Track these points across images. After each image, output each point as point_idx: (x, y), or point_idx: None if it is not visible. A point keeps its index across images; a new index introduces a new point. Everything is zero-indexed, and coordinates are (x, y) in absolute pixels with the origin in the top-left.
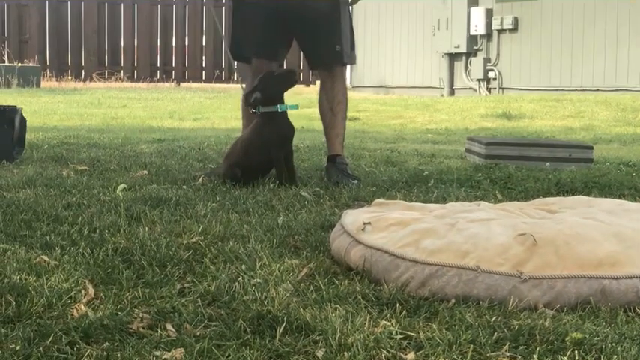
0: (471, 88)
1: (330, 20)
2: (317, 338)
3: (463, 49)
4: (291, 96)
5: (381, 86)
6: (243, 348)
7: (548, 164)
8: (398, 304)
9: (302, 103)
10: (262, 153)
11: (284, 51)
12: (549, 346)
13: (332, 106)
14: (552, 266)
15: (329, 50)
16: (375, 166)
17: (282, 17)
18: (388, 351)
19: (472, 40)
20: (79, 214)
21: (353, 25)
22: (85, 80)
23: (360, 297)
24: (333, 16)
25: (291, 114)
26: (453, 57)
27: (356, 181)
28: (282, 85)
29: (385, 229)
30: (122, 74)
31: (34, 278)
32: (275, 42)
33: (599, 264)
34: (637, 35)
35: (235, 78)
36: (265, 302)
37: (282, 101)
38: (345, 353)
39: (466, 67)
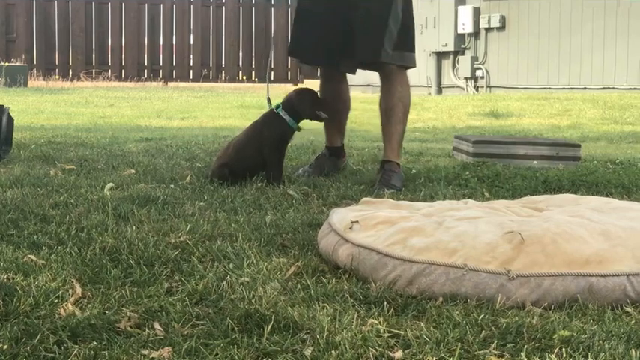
0: (458, 86)
1: (376, 15)
2: (305, 337)
3: (451, 48)
4: (280, 95)
5: (369, 85)
6: (231, 347)
7: (535, 162)
8: (386, 303)
9: None
10: (258, 153)
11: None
12: (537, 344)
13: (387, 109)
14: (540, 264)
15: (370, 48)
16: (362, 164)
17: (341, 17)
18: (376, 349)
19: (460, 38)
20: (67, 214)
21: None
22: (72, 79)
23: (347, 295)
24: (380, 11)
25: None
26: (440, 55)
27: (392, 190)
28: (309, 109)
29: (373, 228)
30: (110, 73)
31: (22, 277)
32: (336, 49)
33: (587, 262)
34: (624, 34)
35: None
36: (253, 301)
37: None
38: (333, 352)
39: (454, 66)
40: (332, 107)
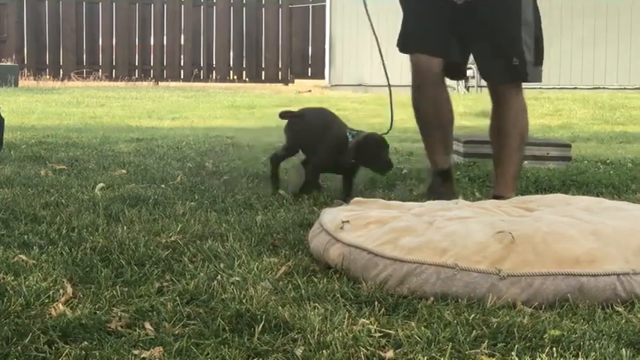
0: (449, 86)
1: (507, 25)
2: (296, 336)
3: None
4: (269, 95)
5: (360, 85)
6: (222, 346)
7: (526, 162)
8: (376, 303)
9: (280, 102)
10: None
11: (457, 50)
12: (528, 344)
13: (500, 135)
14: (530, 264)
15: (504, 64)
16: None
17: (456, 16)
18: (367, 349)
19: None
20: (57, 214)
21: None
22: (63, 79)
23: (338, 295)
24: (510, 20)
25: (271, 113)
26: None
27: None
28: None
29: (364, 228)
30: (100, 73)
31: (12, 278)
32: (444, 36)
33: (577, 262)
34: (614, 34)
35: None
36: (244, 301)
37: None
38: (324, 351)
39: None
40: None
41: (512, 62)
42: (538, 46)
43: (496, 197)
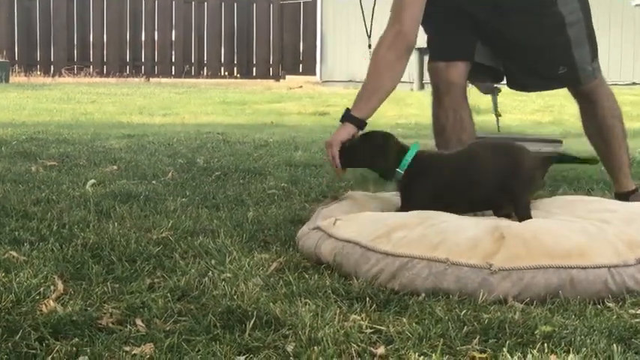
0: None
1: (546, 29)
2: (287, 333)
3: None
4: (261, 91)
5: (351, 81)
6: (213, 343)
7: None
8: (368, 299)
9: (271, 98)
10: None
11: (483, 53)
12: (519, 340)
13: (602, 134)
14: (521, 258)
15: (548, 75)
16: None
17: (476, 25)
18: (358, 345)
19: None
20: (48, 210)
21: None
22: (54, 76)
23: (329, 291)
24: (548, 21)
25: (262, 109)
26: (422, 51)
27: None
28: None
29: (357, 224)
30: (91, 69)
31: (3, 274)
32: (465, 39)
33: (568, 255)
34: (605, 28)
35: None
36: (235, 297)
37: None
38: (315, 348)
39: None
40: None
41: (559, 70)
42: (593, 33)
43: (621, 194)
